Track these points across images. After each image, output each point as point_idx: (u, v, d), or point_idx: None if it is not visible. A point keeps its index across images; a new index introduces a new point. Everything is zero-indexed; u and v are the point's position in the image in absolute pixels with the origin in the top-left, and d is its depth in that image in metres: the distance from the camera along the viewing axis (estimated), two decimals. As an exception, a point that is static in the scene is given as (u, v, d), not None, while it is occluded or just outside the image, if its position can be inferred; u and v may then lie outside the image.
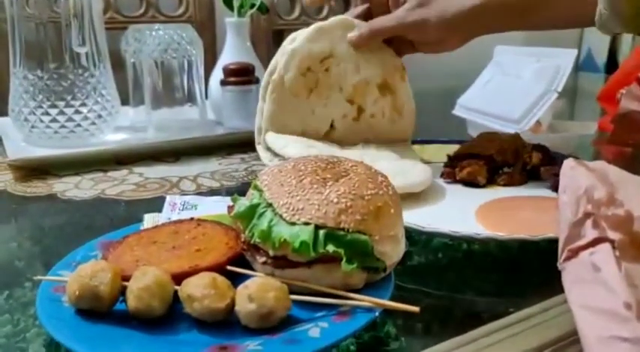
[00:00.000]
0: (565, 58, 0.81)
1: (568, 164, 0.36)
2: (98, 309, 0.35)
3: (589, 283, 0.31)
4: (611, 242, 0.30)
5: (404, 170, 0.58)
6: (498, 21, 0.60)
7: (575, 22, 0.61)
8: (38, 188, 0.67)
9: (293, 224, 0.36)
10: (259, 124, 0.65)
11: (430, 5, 0.59)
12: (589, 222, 0.32)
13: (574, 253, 0.32)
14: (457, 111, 0.91)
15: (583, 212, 0.32)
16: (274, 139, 0.62)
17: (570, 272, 0.32)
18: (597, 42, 2.07)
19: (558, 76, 0.80)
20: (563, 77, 0.80)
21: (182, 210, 0.52)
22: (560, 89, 0.79)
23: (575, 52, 0.82)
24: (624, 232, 0.30)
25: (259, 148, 0.65)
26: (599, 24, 0.54)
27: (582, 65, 2.10)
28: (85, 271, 0.35)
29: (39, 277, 0.39)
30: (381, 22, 0.62)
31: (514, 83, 0.85)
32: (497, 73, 0.91)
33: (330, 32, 0.63)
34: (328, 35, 0.63)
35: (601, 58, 2.08)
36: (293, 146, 0.59)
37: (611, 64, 2.01)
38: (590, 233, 0.32)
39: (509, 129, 0.75)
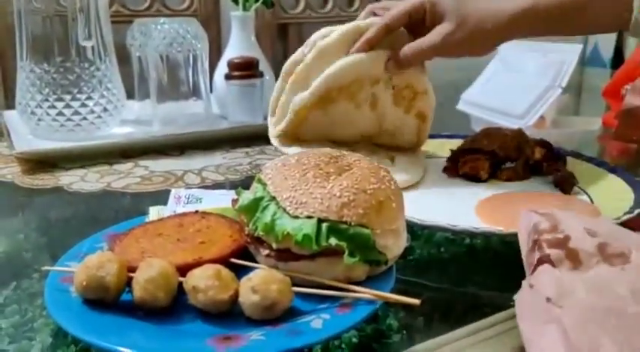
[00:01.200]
0: (570, 53, 0.81)
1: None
2: (105, 299, 0.36)
3: (528, 303, 0.32)
4: (549, 258, 0.32)
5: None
6: (535, 28, 0.59)
7: (613, 26, 0.60)
8: (45, 180, 0.68)
9: (296, 217, 0.37)
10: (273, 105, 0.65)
11: (467, 22, 0.56)
12: (535, 247, 0.34)
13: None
14: (461, 106, 0.91)
15: (532, 240, 0.35)
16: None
17: (519, 301, 0.33)
18: (604, 37, 2.06)
19: (562, 71, 0.80)
20: (568, 72, 0.80)
21: (187, 203, 0.52)
22: (564, 84, 0.79)
23: (580, 47, 0.82)
24: (561, 248, 0.33)
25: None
26: (634, 30, 0.53)
27: (588, 60, 2.09)
28: (92, 262, 0.36)
29: (47, 268, 0.39)
30: (419, 47, 0.58)
31: (518, 78, 0.85)
32: (501, 68, 0.91)
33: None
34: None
35: (607, 53, 2.07)
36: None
37: (618, 59, 2.00)
38: (535, 256, 0.34)
39: (513, 124, 0.76)
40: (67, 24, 0.75)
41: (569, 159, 0.64)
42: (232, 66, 0.85)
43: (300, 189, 0.38)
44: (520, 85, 0.83)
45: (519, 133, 0.66)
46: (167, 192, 0.55)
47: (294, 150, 0.60)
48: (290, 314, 0.35)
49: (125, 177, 0.70)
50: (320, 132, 0.62)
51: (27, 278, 0.44)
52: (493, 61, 0.94)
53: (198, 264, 0.37)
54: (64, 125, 0.77)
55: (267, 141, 0.66)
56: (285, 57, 0.64)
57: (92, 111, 0.78)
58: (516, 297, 0.33)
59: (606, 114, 0.94)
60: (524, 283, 0.33)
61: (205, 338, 0.33)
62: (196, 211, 0.46)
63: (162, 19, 0.85)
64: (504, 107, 0.81)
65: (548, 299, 0.30)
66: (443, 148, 0.68)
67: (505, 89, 0.85)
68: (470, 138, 0.67)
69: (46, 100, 0.76)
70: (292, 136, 0.62)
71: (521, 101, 0.79)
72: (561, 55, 0.82)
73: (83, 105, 0.77)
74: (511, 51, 0.92)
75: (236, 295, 0.35)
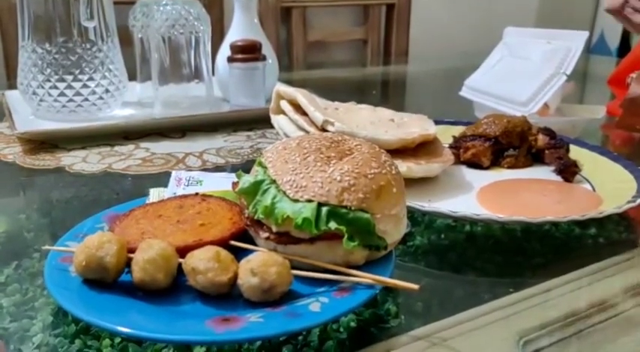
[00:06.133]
0: (576, 41, 0.80)
1: None
2: (104, 280, 0.36)
3: None
4: None
5: None
6: None
7: None
8: (46, 161, 0.68)
9: (296, 201, 0.37)
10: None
11: None
12: None
13: None
14: (464, 92, 0.91)
15: None
16: (284, 124, 0.62)
17: None
18: (610, 25, 2.04)
19: (568, 58, 0.79)
20: (573, 59, 0.79)
21: (187, 185, 0.52)
22: (569, 72, 0.78)
23: (586, 34, 0.81)
24: None
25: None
26: None
27: (594, 48, 2.07)
28: (92, 242, 0.36)
29: (47, 247, 0.39)
30: None
31: (523, 65, 0.84)
32: (506, 54, 0.90)
33: None
34: None
35: (614, 41, 2.06)
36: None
37: (624, 47, 1.99)
38: None
39: (516, 111, 0.75)
40: (69, 4, 0.75)
41: (572, 147, 0.64)
42: (235, 49, 0.84)
43: (301, 172, 0.38)
44: (524, 71, 0.82)
45: (522, 120, 0.66)
46: (168, 174, 0.55)
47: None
48: (289, 296, 0.35)
49: (126, 158, 0.69)
50: None
51: (28, 257, 0.44)
52: (497, 48, 0.93)
53: (198, 245, 0.37)
54: (66, 106, 0.77)
55: (269, 125, 0.66)
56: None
57: (94, 93, 0.78)
58: None
59: (611, 103, 0.94)
60: None
61: (204, 320, 0.33)
62: (196, 193, 0.46)
63: (164, 1, 0.84)
64: (508, 94, 0.81)
65: None
66: (445, 134, 0.68)
67: (509, 76, 0.84)
68: (473, 125, 0.67)
69: (48, 81, 0.76)
70: None
71: (525, 88, 0.79)
72: (567, 42, 0.81)
73: (85, 86, 0.77)
74: (516, 37, 0.91)
75: (235, 277, 0.35)
